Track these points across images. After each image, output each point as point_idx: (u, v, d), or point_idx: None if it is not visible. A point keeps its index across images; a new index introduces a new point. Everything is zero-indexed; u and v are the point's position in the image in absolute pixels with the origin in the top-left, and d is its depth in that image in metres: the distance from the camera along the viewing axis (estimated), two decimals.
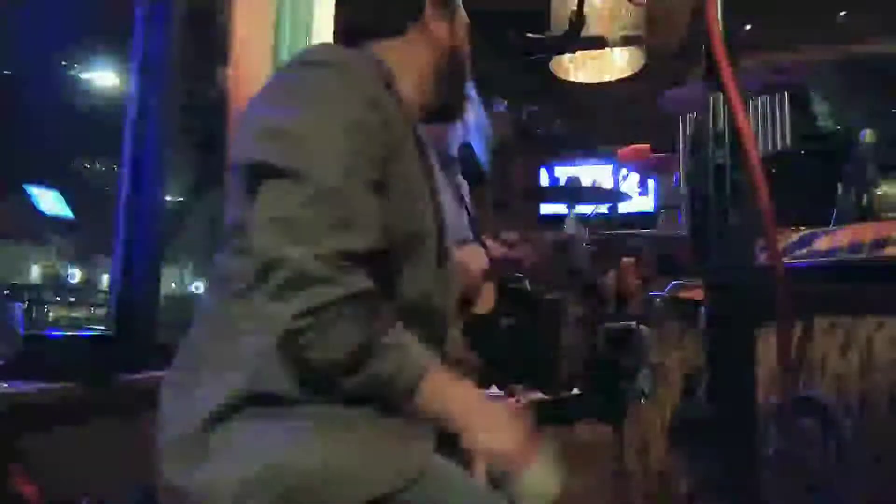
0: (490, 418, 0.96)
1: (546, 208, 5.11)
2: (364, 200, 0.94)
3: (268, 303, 0.90)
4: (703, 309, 0.97)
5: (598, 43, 1.37)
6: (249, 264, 0.93)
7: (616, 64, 2.44)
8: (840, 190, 1.83)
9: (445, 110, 1.25)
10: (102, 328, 2.05)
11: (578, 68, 2.45)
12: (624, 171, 3.46)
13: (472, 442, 0.94)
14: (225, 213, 1.07)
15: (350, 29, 1.18)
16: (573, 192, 3.29)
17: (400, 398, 0.93)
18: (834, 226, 1.72)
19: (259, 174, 0.94)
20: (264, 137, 0.96)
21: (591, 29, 1.49)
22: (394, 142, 1.00)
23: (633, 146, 3.24)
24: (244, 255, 0.96)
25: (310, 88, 0.98)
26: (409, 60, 1.14)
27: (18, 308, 1.64)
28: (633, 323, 2.66)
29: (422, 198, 1.06)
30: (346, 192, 0.92)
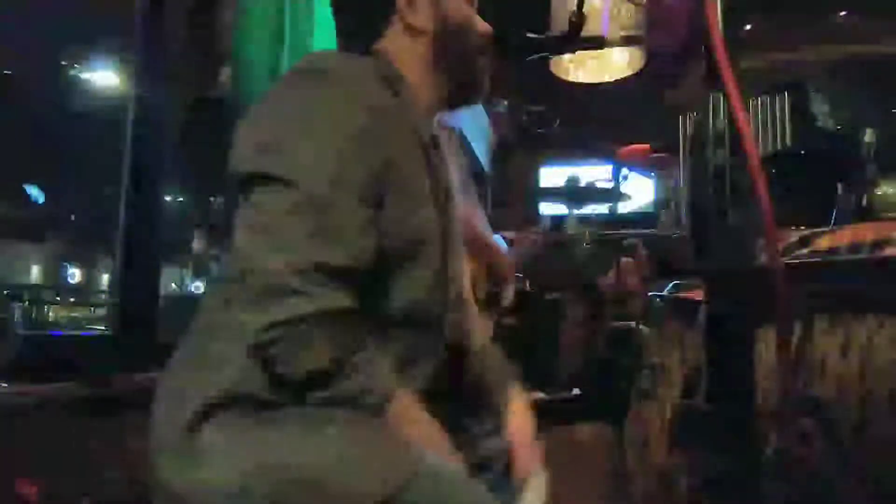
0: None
1: (546, 208, 5.11)
2: (352, 213, 0.93)
3: (241, 310, 0.91)
4: (703, 309, 0.97)
5: (598, 43, 1.38)
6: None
7: (616, 64, 2.43)
8: (840, 190, 1.83)
9: (462, 93, 1.18)
10: (102, 328, 2.04)
11: (578, 68, 2.45)
12: (624, 170, 3.46)
13: None
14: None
15: (341, 35, 1.18)
16: (573, 192, 3.29)
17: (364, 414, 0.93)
18: (834, 226, 1.72)
19: (251, 183, 0.94)
20: (257, 148, 0.96)
21: (591, 29, 1.49)
22: (395, 149, 0.99)
23: (633, 146, 3.24)
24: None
25: (305, 98, 0.98)
26: (402, 56, 1.11)
27: (18, 308, 1.64)
28: (633, 323, 2.66)
29: (425, 204, 1.05)
30: (331, 203, 0.91)
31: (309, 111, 0.96)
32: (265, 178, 0.92)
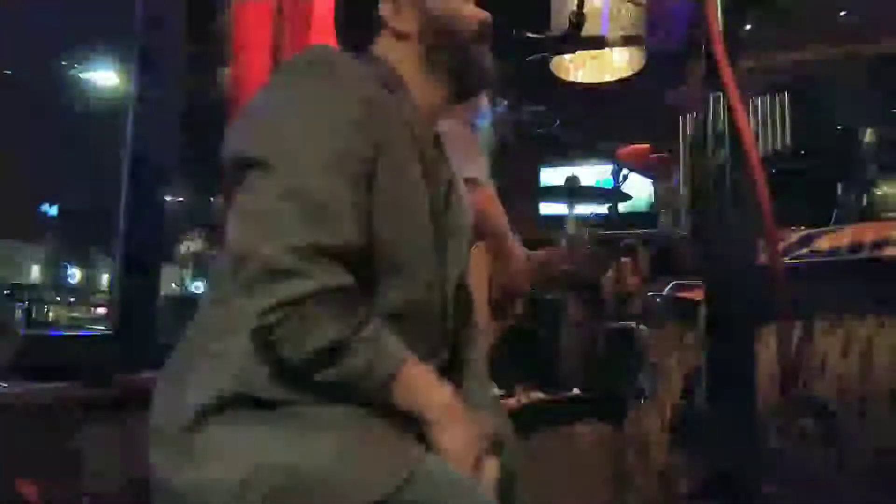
0: (455, 420, 0.97)
1: (546, 208, 5.11)
2: (343, 195, 0.94)
3: (240, 296, 0.91)
4: (703, 309, 0.97)
5: (598, 43, 1.38)
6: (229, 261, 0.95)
7: (616, 64, 2.43)
8: (840, 190, 1.83)
9: (466, 84, 1.18)
10: (102, 328, 2.05)
11: (578, 68, 2.45)
12: (624, 171, 3.45)
13: (435, 438, 0.96)
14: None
15: (336, 42, 1.19)
16: (573, 192, 3.29)
17: (372, 393, 0.93)
18: (834, 226, 1.72)
19: (241, 166, 0.95)
20: (246, 131, 0.98)
21: (591, 29, 1.50)
22: (385, 140, 1.00)
23: (633, 146, 3.23)
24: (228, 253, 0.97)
25: (296, 86, 0.99)
26: (397, 60, 1.12)
27: (18, 308, 1.64)
28: (633, 323, 2.66)
29: (414, 198, 1.05)
30: (322, 186, 0.92)
31: (301, 99, 0.98)
32: (254, 161, 0.94)
